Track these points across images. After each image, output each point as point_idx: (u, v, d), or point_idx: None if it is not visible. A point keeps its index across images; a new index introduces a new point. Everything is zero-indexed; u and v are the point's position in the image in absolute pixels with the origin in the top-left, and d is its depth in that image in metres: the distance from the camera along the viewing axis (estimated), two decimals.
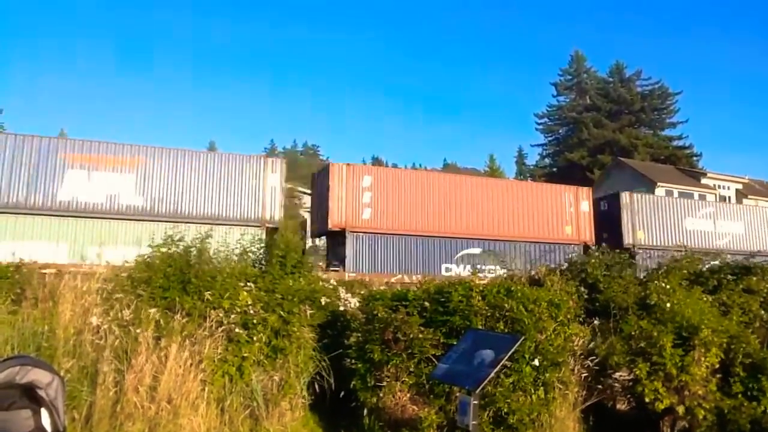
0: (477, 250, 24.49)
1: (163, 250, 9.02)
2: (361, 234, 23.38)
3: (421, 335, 7.88)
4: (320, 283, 10.37)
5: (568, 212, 26.93)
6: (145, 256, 9.06)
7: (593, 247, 26.21)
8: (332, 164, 24.50)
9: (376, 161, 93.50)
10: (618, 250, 12.37)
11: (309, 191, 31.72)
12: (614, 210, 27.95)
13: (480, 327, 7.80)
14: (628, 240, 27.14)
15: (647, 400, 8.10)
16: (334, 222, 23.21)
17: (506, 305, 8.08)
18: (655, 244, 27.20)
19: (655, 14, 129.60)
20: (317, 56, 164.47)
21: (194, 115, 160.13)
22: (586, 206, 27.36)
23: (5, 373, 1.86)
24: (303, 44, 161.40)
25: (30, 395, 1.89)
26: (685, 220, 29.12)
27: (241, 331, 8.25)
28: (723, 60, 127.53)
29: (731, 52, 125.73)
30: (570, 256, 12.63)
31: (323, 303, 9.55)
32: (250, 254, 10.60)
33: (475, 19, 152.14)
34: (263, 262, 10.40)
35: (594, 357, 8.92)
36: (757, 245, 28.60)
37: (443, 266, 24.45)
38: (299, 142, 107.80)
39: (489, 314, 8.06)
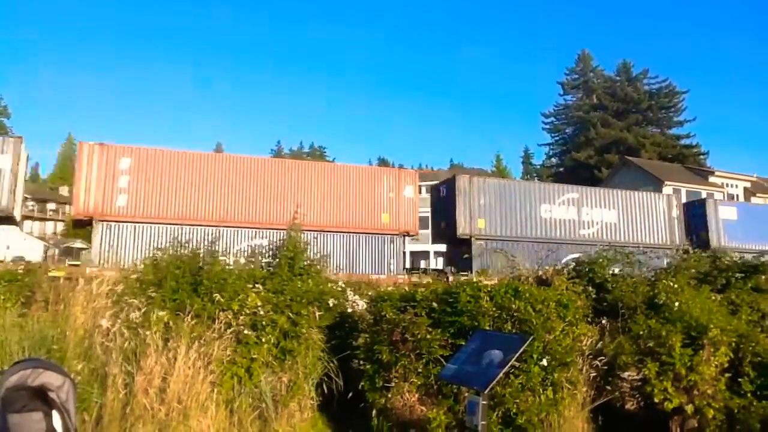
0: (263, 242, 21.14)
1: (170, 252, 9.08)
2: (113, 223, 20.38)
3: (429, 336, 7.89)
4: (329, 285, 10.39)
5: (387, 198, 23.79)
6: (153, 258, 9.11)
7: (414, 237, 24.30)
8: (81, 143, 21.47)
9: (383, 162, 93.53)
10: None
11: None
12: (452, 196, 25.03)
13: (488, 327, 7.80)
14: (464, 229, 24.06)
15: (656, 399, 8.07)
16: (78, 210, 20.51)
17: (514, 306, 8.08)
18: (500, 233, 24.39)
19: (662, 13, 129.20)
20: (325, 57, 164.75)
21: (201, 116, 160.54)
22: (410, 191, 24.13)
23: (17, 375, 1.88)
24: (310, 43, 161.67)
25: (41, 398, 1.90)
26: (540, 207, 25.82)
27: (249, 333, 8.28)
28: (730, 57, 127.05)
29: (739, 49, 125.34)
30: (578, 255, 12.49)
31: (331, 305, 9.57)
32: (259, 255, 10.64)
33: (482, 19, 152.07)
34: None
35: (602, 357, 8.90)
36: (634, 235, 26.87)
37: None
38: (306, 144, 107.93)
39: (497, 315, 8.07)
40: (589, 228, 26.48)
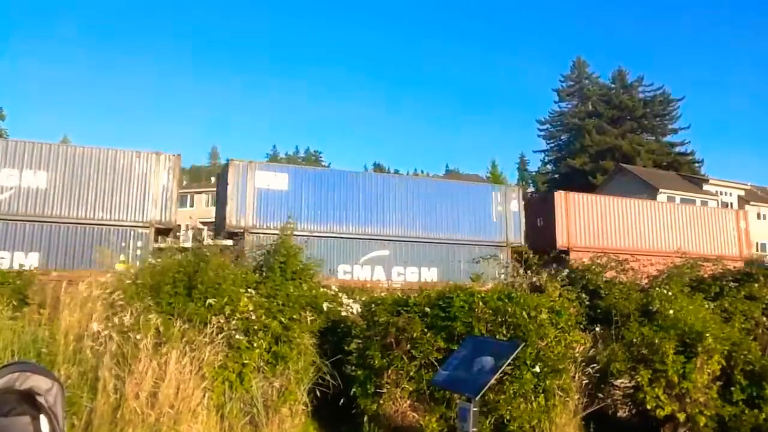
0: None
1: (172, 256, 9.06)
2: None
3: (424, 337, 7.88)
4: (321, 289, 10.36)
5: None
6: (152, 263, 9.08)
7: None
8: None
9: (378, 167, 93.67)
10: None
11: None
12: None
13: (483, 333, 7.80)
14: None
15: (648, 407, 8.09)
16: None
17: (509, 310, 8.08)
18: None
19: (657, 20, 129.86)
20: (321, 62, 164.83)
21: (197, 121, 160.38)
22: None
23: (5, 379, 1.86)
24: (308, 48, 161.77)
25: (29, 401, 1.89)
26: None
27: (241, 338, 8.24)
28: (726, 64, 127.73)
29: (734, 55, 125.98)
30: (572, 262, 12.53)
31: (325, 308, 9.54)
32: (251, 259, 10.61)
33: (476, 25, 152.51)
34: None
35: (595, 364, 8.90)
36: (79, 208, 19.52)
37: None
38: (301, 149, 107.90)
39: (491, 320, 8.07)
40: None
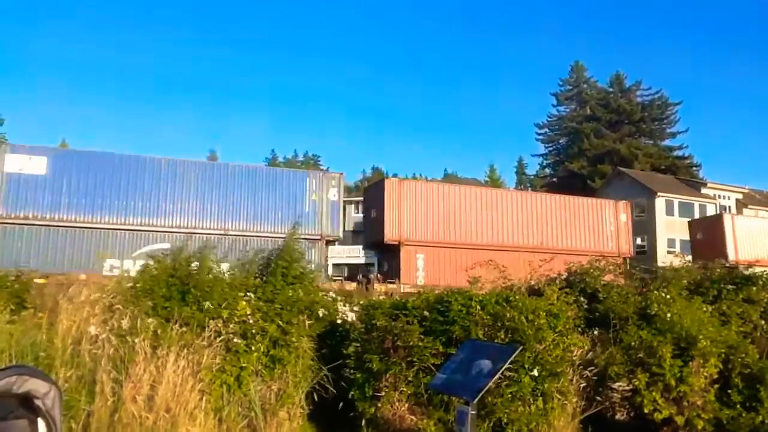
0: None
1: (169, 261, 9.06)
2: None
3: (420, 343, 7.89)
4: (320, 294, 10.35)
5: None
6: (149, 267, 9.08)
7: None
8: None
9: (377, 171, 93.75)
10: None
11: None
12: None
13: (480, 336, 7.81)
14: None
15: (646, 410, 8.09)
16: None
17: (507, 314, 8.08)
18: None
19: (655, 24, 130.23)
20: (320, 64, 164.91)
21: (195, 125, 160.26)
22: None
23: (2, 382, 1.87)
24: (305, 52, 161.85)
25: (27, 405, 1.89)
26: None
27: (239, 341, 8.25)
28: (723, 68, 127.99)
29: (731, 60, 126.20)
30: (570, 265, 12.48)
31: (321, 315, 9.55)
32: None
33: (476, 30, 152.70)
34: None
35: (593, 367, 8.90)
36: None
37: None
38: (300, 152, 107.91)
39: (489, 324, 8.07)
40: None
